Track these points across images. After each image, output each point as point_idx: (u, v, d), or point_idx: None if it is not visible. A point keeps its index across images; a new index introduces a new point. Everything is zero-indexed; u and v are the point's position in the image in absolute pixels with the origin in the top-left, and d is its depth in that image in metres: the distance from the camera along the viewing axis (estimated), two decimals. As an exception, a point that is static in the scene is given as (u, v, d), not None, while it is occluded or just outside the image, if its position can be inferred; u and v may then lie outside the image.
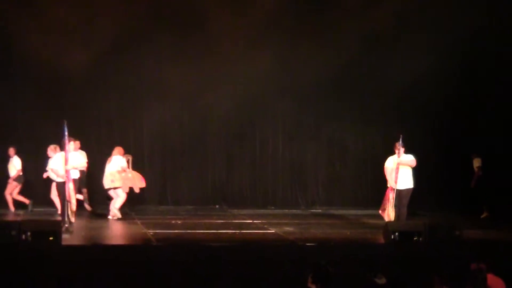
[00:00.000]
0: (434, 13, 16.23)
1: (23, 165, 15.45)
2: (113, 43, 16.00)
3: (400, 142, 12.50)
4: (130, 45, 16.23)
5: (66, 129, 11.96)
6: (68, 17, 15.48)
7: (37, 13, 15.36)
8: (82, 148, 14.81)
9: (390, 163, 12.65)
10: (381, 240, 11.34)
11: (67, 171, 12.02)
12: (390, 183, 12.54)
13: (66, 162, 12.01)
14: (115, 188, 14.54)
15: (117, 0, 15.81)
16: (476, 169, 15.93)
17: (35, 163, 15.97)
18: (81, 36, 15.59)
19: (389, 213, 12.49)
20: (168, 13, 16.26)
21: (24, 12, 15.37)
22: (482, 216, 15.67)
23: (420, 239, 11.02)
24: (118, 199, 14.44)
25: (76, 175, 12.69)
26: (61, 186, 12.18)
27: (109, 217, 14.34)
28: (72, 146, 12.41)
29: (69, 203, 11.97)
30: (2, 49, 15.73)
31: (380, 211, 12.75)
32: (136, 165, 16.75)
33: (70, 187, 12.02)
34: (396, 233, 11.00)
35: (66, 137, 12.03)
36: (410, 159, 12.60)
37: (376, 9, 16.29)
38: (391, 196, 12.50)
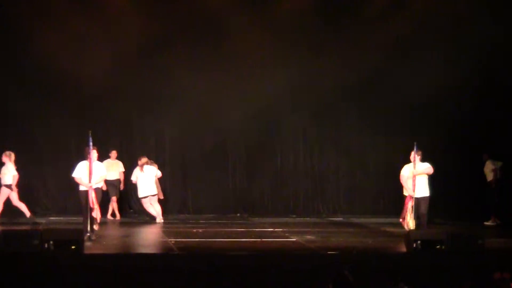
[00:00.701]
0: (454, 23, 16.17)
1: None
2: (136, 54, 16.15)
3: (415, 150, 12.46)
4: (153, 56, 16.32)
5: (90, 139, 12.03)
6: (90, 27, 15.61)
7: (58, 24, 15.53)
8: (104, 158, 14.86)
9: (405, 171, 12.66)
10: (403, 248, 11.27)
11: (90, 180, 12.07)
12: (408, 191, 12.52)
13: (90, 172, 12.06)
14: (153, 196, 15.28)
15: (140, 10, 15.91)
16: (493, 172, 15.82)
17: (56, 172, 16.11)
18: (103, 47, 15.67)
19: (408, 222, 12.44)
20: (191, 24, 16.34)
21: (45, 23, 15.53)
22: (487, 223, 15.56)
23: (443, 247, 10.93)
24: (156, 205, 15.29)
25: (99, 184, 12.73)
26: (83, 195, 12.24)
27: (159, 220, 15.18)
28: (95, 155, 12.43)
29: (92, 211, 12.03)
30: (23, 58, 15.85)
31: (400, 220, 12.71)
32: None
33: (93, 195, 12.07)
34: (418, 242, 10.92)
35: (91, 147, 12.09)
36: (426, 166, 12.57)
37: (396, 21, 16.32)
38: (410, 205, 12.45)
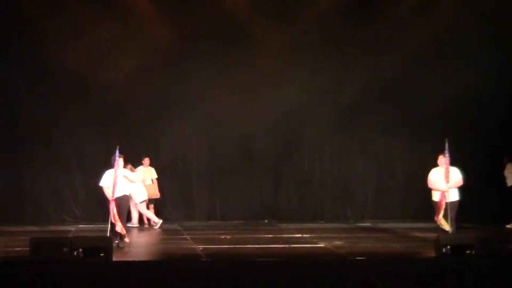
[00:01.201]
0: (485, 25, 16.06)
1: None
2: (162, 61, 16.27)
3: (447, 152, 12.30)
4: (178, 63, 16.44)
5: (117, 153, 12.06)
6: (116, 36, 15.72)
7: (85, 33, 15.69)
8: (129, 165, 14.89)
9: (433, 175, 12.51)
10: (433, 253, 11.18)
11: (113, 194, 12.08)
12: (441, 188, 12.29)
13: (114, 185, 12.06)
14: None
15: (163, 18, 16.00)
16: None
17: (85, 180, 16.25)
18: (129, 55, 15.79)
19: (440, 219, 12.26)
20: (215, 30, 16.40)
21: (73, 33, 15.68)
22: (509, 226, 15.43)
23: (473, 252, 10.82)
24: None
25: (126, 192, 12.70)
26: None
27: (157, 226, 15.23)
28: (121, 164, 12.46)
29: (114, 226, 12.06)
30: (54, 69, 16.04)
31: (435, 218, 12.50)
32: (185, 181, 16.99)
33: (114, 210, 12.05)
34: (448, 247, 10.82)
35: (117, 159, 12.09)
36: (458, 178, 12.43)
37: (425, 23, 16.25)
38: (443, 202, 12.28)
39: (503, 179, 16.10)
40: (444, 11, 16.36)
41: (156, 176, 16.11)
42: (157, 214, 16.14)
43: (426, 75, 16.49)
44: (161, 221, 15.60)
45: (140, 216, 15.82)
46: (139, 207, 15.62)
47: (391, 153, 17.43)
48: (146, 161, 16.11)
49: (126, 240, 12.16)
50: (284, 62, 16.46)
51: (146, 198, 15.67)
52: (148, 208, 15.90)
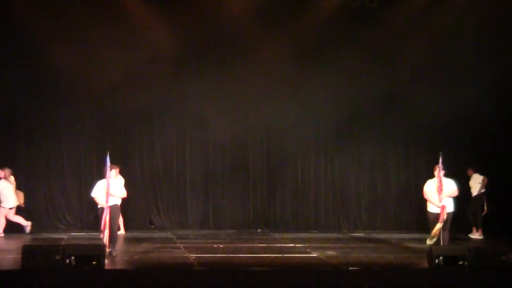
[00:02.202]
0: (484, 37, 16.18)
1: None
2: (157, 69, 16.26)
3: (440, 164, 12.35)
4: (174, 70, 16.43)
5: (108, 159, 12.03)
6: (109, 43, 15.75)
7: (79, 40, 15.73)
8: (121, 174, 14.82)
9: (429, 187, 12.56)
10: (425, 264, 11.18)
11: (107, 199, 12.05)
12: (435, 204, 12.36)
13: (107, 192, 12.03)
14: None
15: (153, 24, 16.02)
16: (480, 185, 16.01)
17: (78, 188, 16.25)
18: (123, 62, 15.82)
19: (436, 230, 12.26)
20: (212, 39, 16.49)
21: (67, 39, 15.70)
22: (473, 236, 15.81)
23: (465, 263, 10.83)
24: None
25: (118, 201, 12.67)
26: (101, 212, 12.24)
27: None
28: (114, 174, 12.44)
29: (102, 232, 12.02)
30: (50, 74, 16.08)
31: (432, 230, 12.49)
32: (179, 190, 16.96)
33: (107, 218, 11.93)
34: (441, 257, 10.83)
35: (108, 166, 12.07)
36: (453, 189, 12.47)
37: (423, 35, 16.36)
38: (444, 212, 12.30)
39: (468, 189, 16.19)
40: (440, 23, 16.46)
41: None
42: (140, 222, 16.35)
43: (421, 87, 16.51)
44: (30, 222, 15.51)
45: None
46: (7, 213, 15.39)
47: (386, 163, 17.45)
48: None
49: (107, 250, 11.93)
50: (280, 71, 16.48)
51: (15, 204, 15.42)
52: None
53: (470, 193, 16.11)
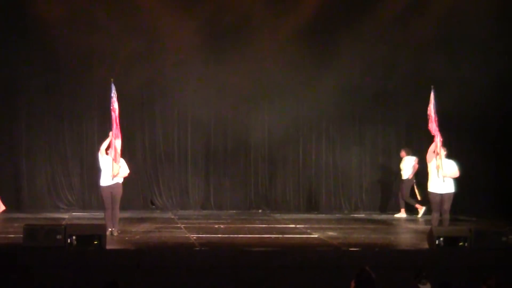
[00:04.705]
0: (486, 27, 16.15)
1: None
2: (158, 49, 16.26)
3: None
4: (174, 50, 16.35)
5: (113, 87, 12.07)
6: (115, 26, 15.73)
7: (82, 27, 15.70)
8: (123, 154, 14.79)
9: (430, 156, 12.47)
10: (426, 245, 11.21)
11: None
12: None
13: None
14: None
15: (159, 12, 15.96)
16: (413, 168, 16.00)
17: (79, 167, 16.28)
18: (123, 42, 15.80)
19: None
20: (215, 21, 16.40)
21: (73, 28, 15.69)
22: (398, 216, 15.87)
23: (466, 244, 10.86)
24: None
25: (120, 179, 12.66)
26: (105, 190, 12.22)
27: None
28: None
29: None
30: (54, 56, 16.07)
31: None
32: (180, 170, 16.98)
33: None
34: (441, 238, 10.85)
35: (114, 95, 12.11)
36: (454, 170, 12.45)
37: (419, 21, 16.31)
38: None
39: (398, 171, 16.26)
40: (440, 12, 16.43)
41: None
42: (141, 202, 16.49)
43: (426, 70, 16.47)
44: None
45: None
46: None
47: (387, 144, 17.42)
48: None
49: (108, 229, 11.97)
50: (281, 52, 16.42)
51: None
52: None
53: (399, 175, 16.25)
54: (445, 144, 12.66)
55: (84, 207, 16.25)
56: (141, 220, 14.79)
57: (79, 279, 9.68)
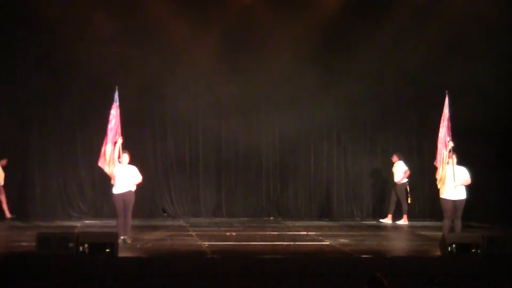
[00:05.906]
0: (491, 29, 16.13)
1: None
2: (168, 57, 16.26)
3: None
4: (185, 58, 16.40)
5: (116, 94, 12.14)
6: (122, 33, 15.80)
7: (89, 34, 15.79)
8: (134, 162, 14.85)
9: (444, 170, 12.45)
10: (438, 252, 11.17)
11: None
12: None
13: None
14: None
15: (172, 19, 16.03)
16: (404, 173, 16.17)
17: (92, 175, 16.29)
18: (131, 49, 15.84)
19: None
20: (229, 29, 16.46)
21: (81, 34, 15.77)
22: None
23: (478, 251, 10.81)
24: None
25: (132, 187, 12.70)
26: (117, 198, 12.25)
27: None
28: (126, 158, 12.46)
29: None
30: (64, 63, 16.14)
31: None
32: (192, 178, 17.00)
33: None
34: (454, 245, 10.81)
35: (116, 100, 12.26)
36: (466, 177, 12.40)
37: (439, 18, 16.28)
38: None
39: (391, 175, 16.39)
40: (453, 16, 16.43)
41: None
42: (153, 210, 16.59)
43: (436, 74, 16.46)
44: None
45: None
46: None
47: (399, 151, 17.37)
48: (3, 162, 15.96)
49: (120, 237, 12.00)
50: (292, 60, 16.42)
51: None
52: None
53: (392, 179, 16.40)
54: (457, 150, 12.59)
55: (96, 215, 16.29)
56: (153, 228, 14.82)
57: (91, 287, 9.69)
